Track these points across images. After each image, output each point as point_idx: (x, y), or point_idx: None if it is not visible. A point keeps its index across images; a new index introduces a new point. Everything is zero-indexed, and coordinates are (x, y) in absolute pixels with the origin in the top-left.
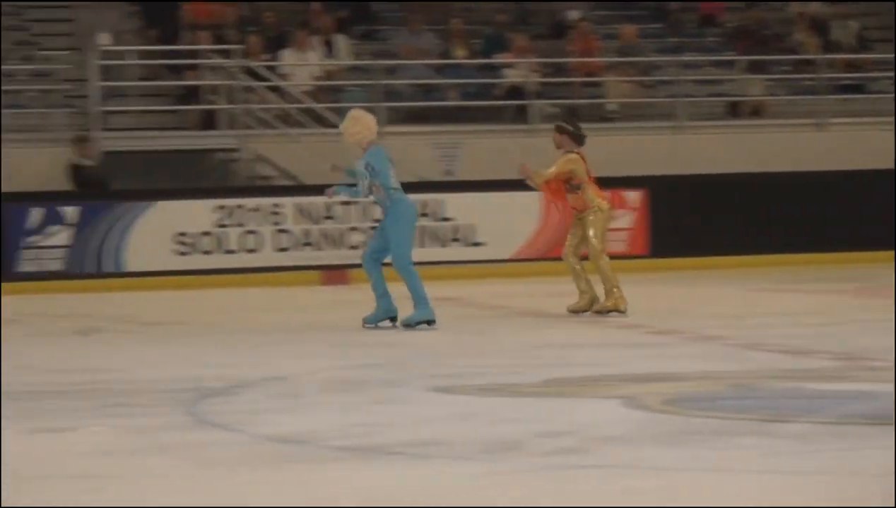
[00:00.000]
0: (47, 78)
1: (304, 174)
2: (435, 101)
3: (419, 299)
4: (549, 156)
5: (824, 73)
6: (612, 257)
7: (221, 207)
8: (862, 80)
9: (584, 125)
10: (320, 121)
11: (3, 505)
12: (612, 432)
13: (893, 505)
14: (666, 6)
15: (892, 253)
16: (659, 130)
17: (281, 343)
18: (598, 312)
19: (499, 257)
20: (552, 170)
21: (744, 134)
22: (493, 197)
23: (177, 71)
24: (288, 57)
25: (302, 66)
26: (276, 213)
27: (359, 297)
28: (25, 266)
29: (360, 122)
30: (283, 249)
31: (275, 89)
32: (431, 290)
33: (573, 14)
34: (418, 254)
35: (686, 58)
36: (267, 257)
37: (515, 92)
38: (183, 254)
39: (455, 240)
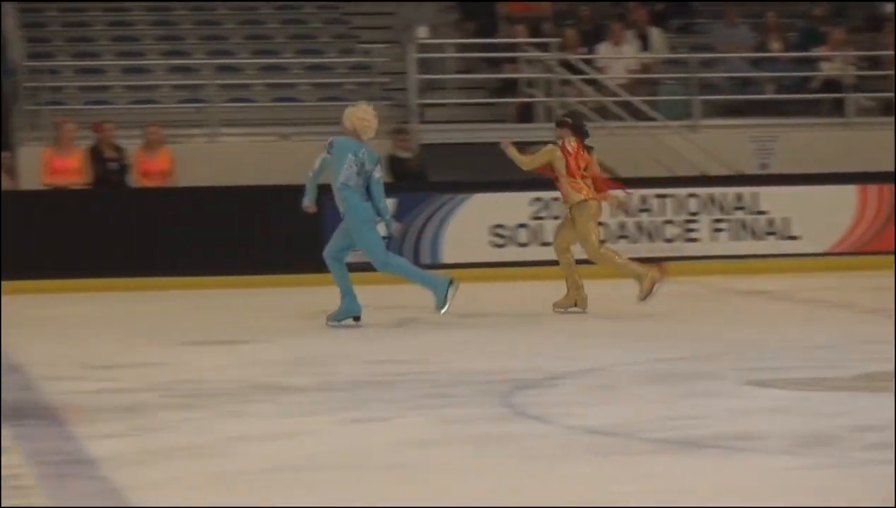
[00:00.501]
0: (366, 71)
1: (621, 167)
2: (751, 95)
3: (428, 280)
4: (867, 151)
5: None
6: None
7: (538, 199)
8: None
9: None
10: (637, 114)
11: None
12: None
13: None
14: None
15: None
16: None
17: (594, 335)
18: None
19: (814, 251)
20: (527, 158)
21: None
22: (809, 190)
23: (494, 64)
24: (604, 50)
25: (618, 59)
26: None
27: (686, 289)
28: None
29: (353, 118)
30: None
31: (591, 82)
32: (740, 284)
33: (890, 7)
34: (734, 248)
35: None
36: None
37: (832, 85)
38: (499, 246)
39: (770, 233)
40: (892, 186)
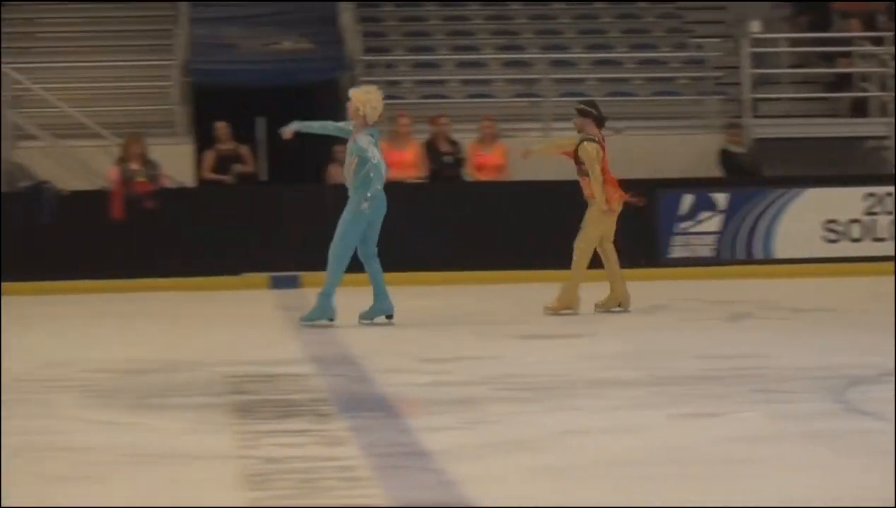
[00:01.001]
0: (699, 65)
1: None
2: None
3: (325, 295)
4: None
5: None
6: None
7: (871, 195)
8: None
9: None
10: None
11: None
12: None
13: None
14: None
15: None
16: None
17: None
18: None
19: None
20: (595, 184)
21: None
22: None
23: (828, 58)
24: None
25: None
26: None
27: None
28: (677, 251)
29: (361, 100)
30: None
31: None
32: None
33: None
34: None
35: None
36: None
37: None
38: (832, 241)
39: None
40: None
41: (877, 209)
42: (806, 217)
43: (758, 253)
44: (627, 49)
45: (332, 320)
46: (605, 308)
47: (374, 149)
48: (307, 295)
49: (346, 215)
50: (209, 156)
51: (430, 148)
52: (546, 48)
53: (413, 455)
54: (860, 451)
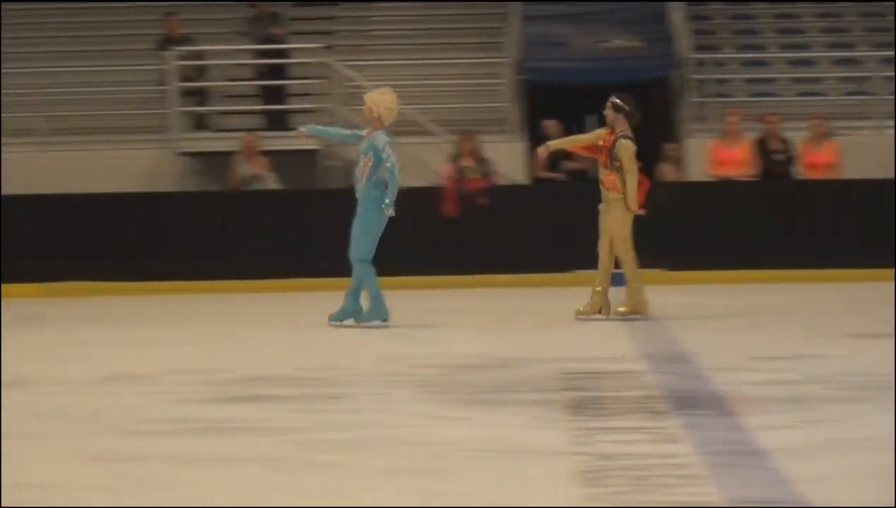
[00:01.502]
0: None
1: None
2: None
3: (375, 296)
4: None
5: None
6: None
7: None
8: None
9: None
10: None
11: None
12: None
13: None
14: None
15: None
16: None
17: None
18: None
19: None
20: (630, 185)
21: None
22: None
23: None
24: None
25: None
26: None
27: None
28: None
29: (377, 100)
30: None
31: None
32: None
33: None
34: None
35: None
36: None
37: None
38: None
39: None
40: None
41: None
42: None
43: None
44: None
45: (385, 320)
46: (624, 315)
47: (390, 150)
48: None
49: (362, 217)
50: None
51: (761, 146)
52: (876, 46)
53: (748, 453)
54: None
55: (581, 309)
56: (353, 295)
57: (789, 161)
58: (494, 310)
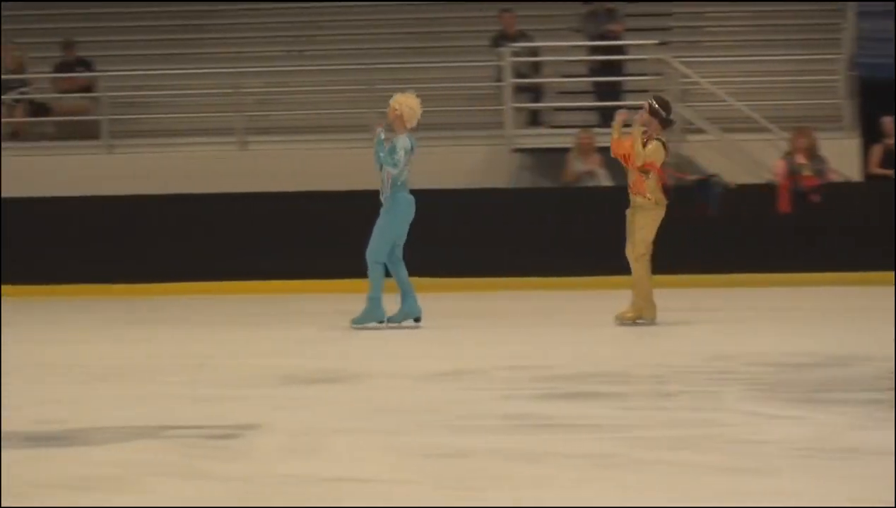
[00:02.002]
0: None
1: None
2: None
3: (372, 299)
4: None
5: None
6: None
7: None
8: None
9: None
10: None
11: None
12: None
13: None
14: None
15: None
16: None
17: None
18: (624, 322)
19: None
20: (644, 152)
21: None
22: None
23: None
24: None
25: None
26: None
27: None
28: None
29: (402, 103)
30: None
31: None
32: None
33: None
34: None
35: None
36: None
37: None
38: None
39: None
40: None
41: None
42: None
43: None
44: None
45: (381, 322)
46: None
47: (402, 153)
48: None
49: (382, 220)
50: (876, 151)
51: None
52: None
53: None
54: None
55: (621, 314)
56: (406, 298)
57: None
58: (824, 308)
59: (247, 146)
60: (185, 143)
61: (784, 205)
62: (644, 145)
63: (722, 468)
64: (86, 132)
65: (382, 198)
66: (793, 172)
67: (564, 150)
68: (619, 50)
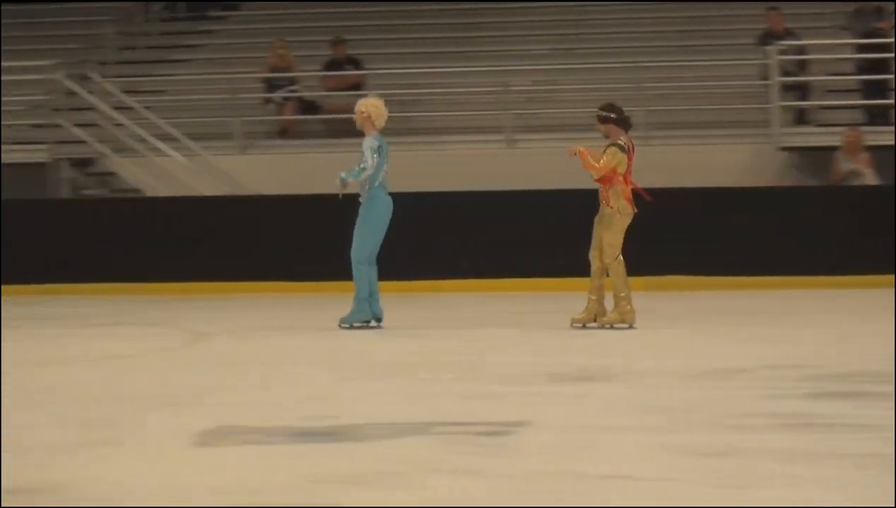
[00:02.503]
0: None
1: None
2: None
3: (359, 299)
4: None
5: None
6: None
7: None
8: None
9: None
10: None
11: None
12: None
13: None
14: None
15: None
16: None
17: None
18: (604, 325)
19: None
20: (601, 163)
21: None
22: None
23: None
24: None
25: None
26: None
27: None
28: None
29: (368, 104)
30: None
31: None
32: None
33: None
34: None
35: None
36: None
37: None
38: None
39: None
40: None
41: None
42: None
43: None
44: None
45: (367, 321)
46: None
47: (371, 155)
48: None
49: (361, 218)
50: None
51: None
52: None
53: None
54: None
55: (576, 317)
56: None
57: None
58: None
59: (515, 144)
60: (453, 141)
61: None
62: (605, 151)
63: None
64: (354, 130)
65: (361, 199)
66: None
67: (831, 149)
68: (887, 48)
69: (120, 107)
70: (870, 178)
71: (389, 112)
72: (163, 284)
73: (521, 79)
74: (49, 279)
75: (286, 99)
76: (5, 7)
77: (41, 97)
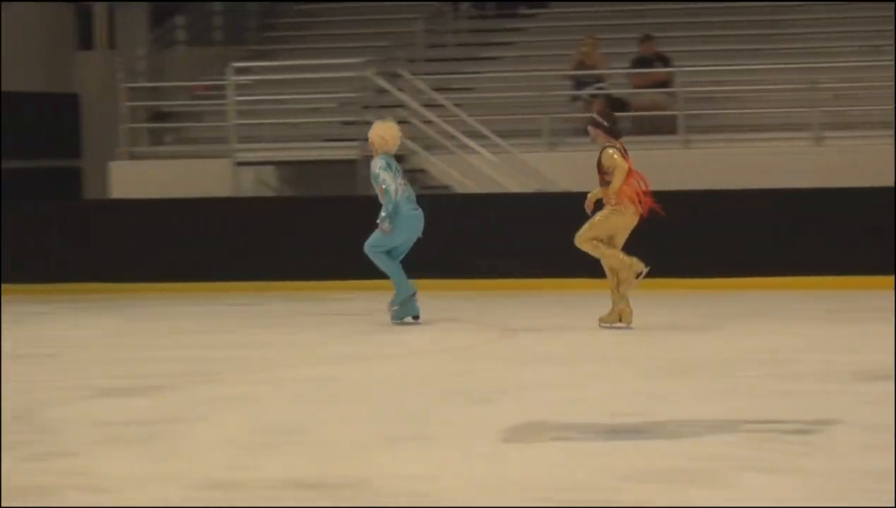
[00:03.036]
0: None
1: None
2: None
3: (396, 283)
4: None
5: None
6: None
7: None
8: None
9: None
10: None
11: None
12: None
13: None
14: None
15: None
16: None
17: None
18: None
19: None
20: (616, 179)
21: None
22: None
23: None
24: None
25: None
26: None
27: None
28: None
29: (372, 134)
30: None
31: None
32: None
33: None
34: None
35: None
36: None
37: None
38: None
39: None
40: None
41: None
42: None
43: None
44: None
45: (413, 294)
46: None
47: (385, 173)
48: None
49: (375, 232)
50: None
51: None
52: None
53: None
54: None
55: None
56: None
57: None
58: None
59: (822, 141)
60: (760, 139)
61: None
62: (600, 155)
63: None
64: (663, 127)
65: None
66: None
67: None
68: None
69: (429, 105)
70: None
71: (698, 109)
72: (468, 280)
73: (828, 76)
74: (359, 275)
75: (593, 96)
76: (316, 6)
77: (351, 94)
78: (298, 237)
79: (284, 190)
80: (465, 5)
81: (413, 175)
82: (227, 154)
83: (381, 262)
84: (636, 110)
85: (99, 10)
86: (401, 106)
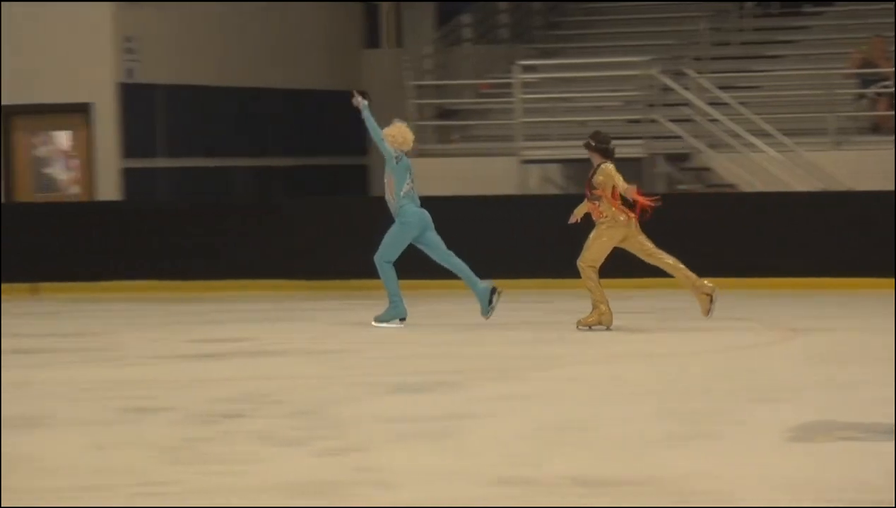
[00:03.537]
0: None
1: None
2: None
3: (392, 297)
4: None
5: None
6: None
7: None
8: None
9: None
10: None
11: None
12: None
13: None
14: None
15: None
16: None
17: None
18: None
19: None
20: (617, 179)
21: None
22: None
23: None
24: None
25: None
26: None
27: None
28: None
29: (387, 134)
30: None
31: None
32: None
33: None
34: None
35: None
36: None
37: None
38: None
39: None
40: None
41: None
42: None
43: None
44: None
45: (402, 319)
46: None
47: (389, 151)
48: None
49: (396, 228)
50: None
51: None
52: None
53: None
54: None
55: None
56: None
57: None
58: None
59: None
60: None
61: None
62: (592, 176)
63: None
64: None
65: (392, 209)
66: None
67: None
68: None
69: (714, 103)
70: None
71: None
72: (750, 279)
73: None
74: (641, 274)
75: (878, 94)
76: (601, 4)
77: (637, 93)
78: (586, 235)
79: (569, 187)
80: (749, 4)
81: (698, 173)
82: (513, 152)
83: (387, 278)
84: None
85: (386, 8)
86: (685, 104)
